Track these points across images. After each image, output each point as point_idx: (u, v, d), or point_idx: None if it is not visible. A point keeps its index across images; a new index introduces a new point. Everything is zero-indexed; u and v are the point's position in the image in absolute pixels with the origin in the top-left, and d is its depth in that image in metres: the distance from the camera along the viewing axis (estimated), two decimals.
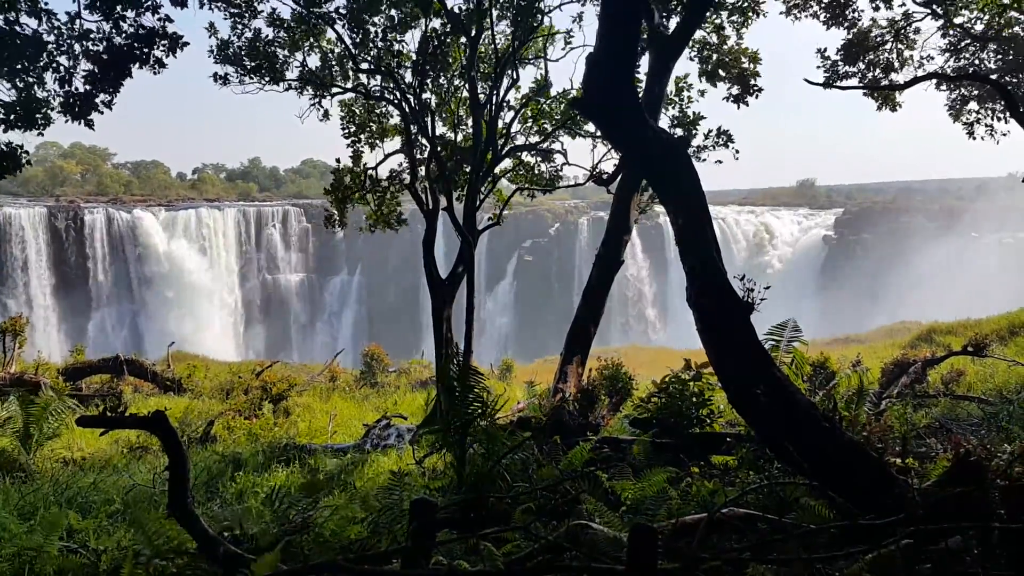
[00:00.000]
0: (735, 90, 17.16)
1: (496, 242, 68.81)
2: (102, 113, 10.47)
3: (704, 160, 17.06)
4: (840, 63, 17.85)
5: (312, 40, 17.10)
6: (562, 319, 42.60)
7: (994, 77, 17.20)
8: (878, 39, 17.83)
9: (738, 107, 17.31)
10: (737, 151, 17.00)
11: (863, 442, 6.80)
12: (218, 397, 22.00)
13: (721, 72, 17.12)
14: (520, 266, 71.47)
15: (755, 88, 17.09)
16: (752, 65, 17.03)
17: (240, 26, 15.86)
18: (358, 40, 16.67)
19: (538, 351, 51.92)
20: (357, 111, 18.65)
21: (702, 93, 17.67)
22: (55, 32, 9.91)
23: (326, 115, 17.98)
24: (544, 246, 71.90)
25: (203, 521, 5.52)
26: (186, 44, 10.53)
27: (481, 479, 7.19)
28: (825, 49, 17.77)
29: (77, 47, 10.02)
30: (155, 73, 10.71)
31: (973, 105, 18.95)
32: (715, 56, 17.11)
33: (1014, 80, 17.87)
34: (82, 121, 10.32)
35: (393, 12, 16.67)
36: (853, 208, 75.17)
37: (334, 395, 23.46)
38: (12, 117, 9.47)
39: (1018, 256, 60.24)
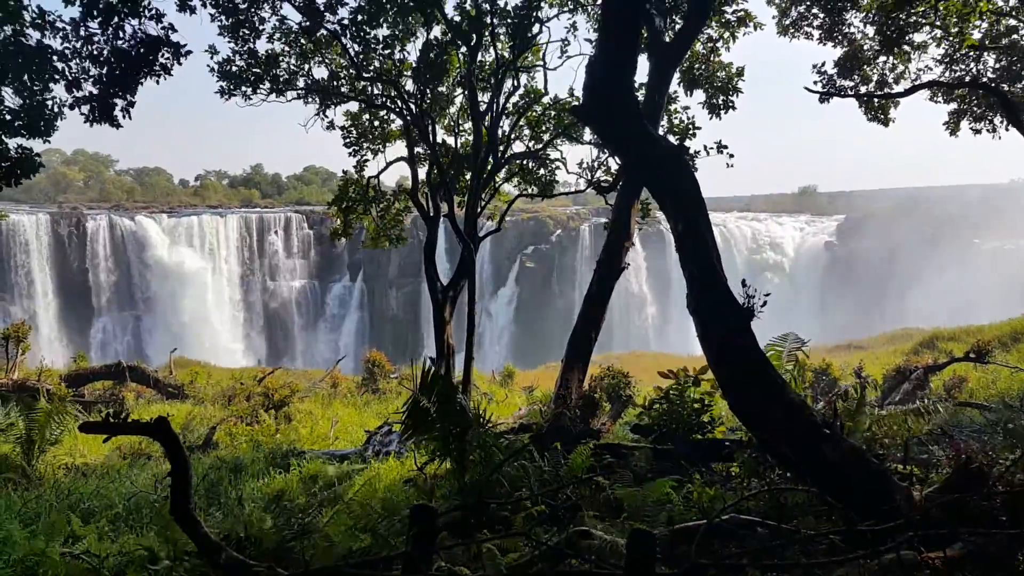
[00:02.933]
0: (711, 101, 17.40)
1: (498, 248, 68.84)
2: (129, 117, 10.54)
3: (698, 157, 17.14)
4: (836, 77, 17.97)
5: (319, 54, 17.20)
6: (564, 325, 42.60)
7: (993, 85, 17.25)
8: (871, 53, 17.94)
9: (710, 117, 17.57)
10: (732, 155, 17.07)
11: (864, 449, 6.80)
12: (220, 403, 22.03)
13: (703, 82, 17.32)
14: (522, 272, 71.40)
15: (731, 103, 17.33)
16: (733, 79, 17.20)
17: (242, 43, 15.88)
18: (361, 51, 16.75)
19: (540, 357, 51.84)
20: (364, 120, 18.77)
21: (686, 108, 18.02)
22: (60, 37, 9.97)
23: (331, 126, 18.09)
24: (546, 252, 71.84)
25: (205, 527, 5.53)
26: (189, 52, 10.59)
27: (482, 485, 7.20)
28: (823, 64, 17.88)
29: (83, 52, 10.07)
30: (158, 82, 10.79)
31: (968, 121, 19.05)
32: (699, 66, 17.26)
33: (1015, 87, 17.89)
34: (105, 122, 10.38)
35: (395, 23, 16.75)
36: (855, 215, 75.03)
37: (335, 401, 23.48)
38: (18, 124, 9.53)
39: (1020, 263, 60.15)
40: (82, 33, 9.98)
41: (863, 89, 18.35)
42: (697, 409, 9.70)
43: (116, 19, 10.01)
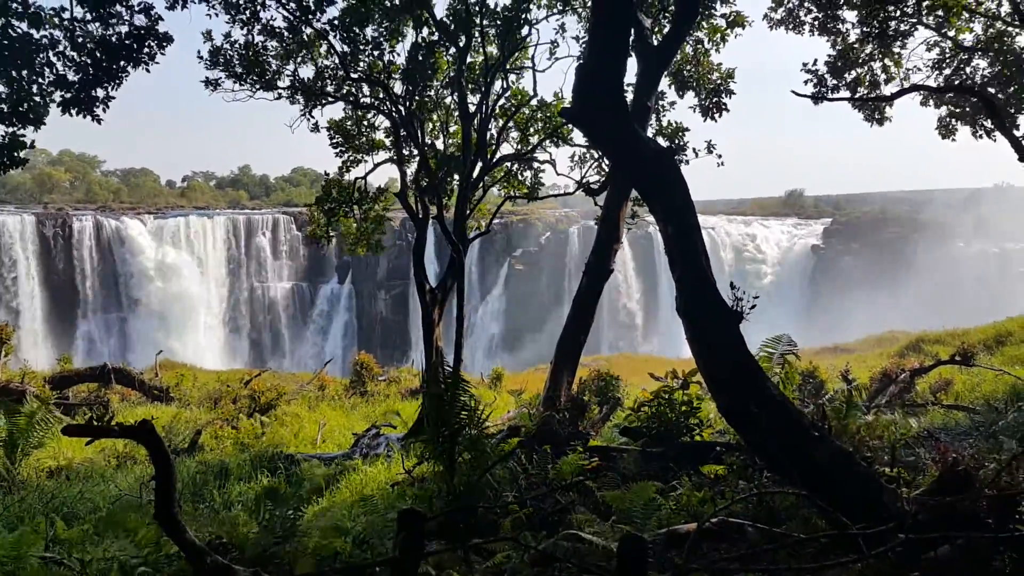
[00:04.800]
0: (707, 102, 17.40)
1: (487, 251, 68.80)
2: (104, 110, 10.46)
3: (687, 163, 17.15)
4: (828, 77, 18.03)
5: (305, 51, 17.09)
6: (553, 328, 42.58)
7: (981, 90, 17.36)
8: (863, 54, 18.02)
9: (704, 120, 17.59)
10: (720, 155, 17.11)
11: (852, 451, 6.80)
12: (206, 406, 21.86)
13: (694, 84, 17.34)
14: (510, 274, 71.38)
15: (723, 105, 17.32)
16: (725, 81, 17.22)
17: (240, 27, 15.81)
18: (349, 50, 16.68)
19: (529, 360, 51.85)
20: (348, 124, 18.67)
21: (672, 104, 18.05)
22: (47, 28, 9.89)
23: (316, 127, 17.95)
24: (535, 255, 71.86)
25: (189, 531, 5.46)
26: (171, 39, 10.57)
27: (470, 489, 7.16)
28: (815, 61, 17.92)
29: (68, 42, 10.01)
30: (148, 70, 10.74)
31: (960, 124, 19.19)
32: (689, 68, 17.30)
33: (1006, 92, 18.01)
34: (87, 115, 10.31)
35: (384, 23, 16.70)
36: (841, 218, 75.47)
37: (323, 404, 23.35)
38: (7, 111, 9.44)
39: (1005, 266, 60.69)
40: (67, 22, 9.92)
41: (854, 91, 18.43)
42: (686, 411, 9.69)
43: (105, 8, 9.97)
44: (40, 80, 9.85)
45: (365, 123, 18.84)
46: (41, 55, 9.71)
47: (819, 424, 7.57)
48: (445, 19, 16.64)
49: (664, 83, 17.54)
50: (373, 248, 19.70)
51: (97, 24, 10.08)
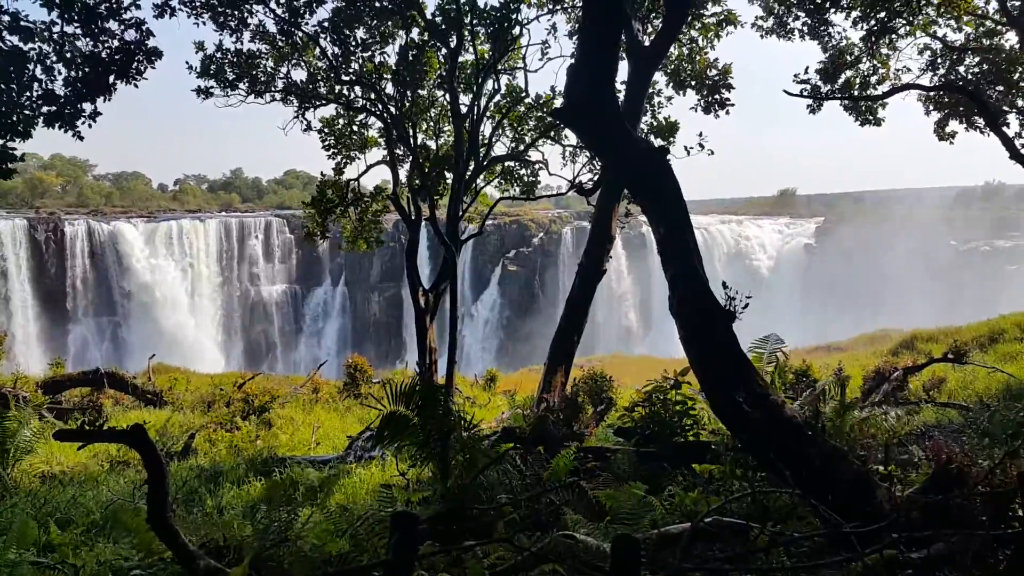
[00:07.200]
0: (706, 100, 17.40)
1: (480, 252, 68.77)
2: (90, 126, 10.42)
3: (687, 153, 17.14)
4: (819, 83, 18.08)
5: (297, 55, 17.08)
6: (546, 328, 42.57)
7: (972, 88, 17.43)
8: (853, 57, 18.08)
9: (707, 114, 17.57)
10: (712, 153, 17.12)
11: (845, 450, 6.81)
12: (199, 409, 21.76)
13: (692, 82, 17.36)
14: (504, 276, 71.34)
15: (727, 101, 17.30)
16: (723, 77, 17.23)
17: (229, 34, 15.76)
18: (340, 53, 16.67)
19: (523, 361, 51.83)
20: (339, 124, 18.66)
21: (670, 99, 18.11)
22: (36, 42, 9.84)
23: (308, 127, 17.96)
24: (528, 256, 71.83)
25: (183, 535, 5.44)
26: (161, 55, 10.53)
27: (464, 490, 7.14)
28: (806, 70, 17.94)
29: (56, 57, 9.97)
30: (136, 86, 10.70)
31: (954, 122, 19.29)
32: (688, 67, 17.33)
33: (996, 90, 18.08)
34: (69, 131, 10.26)
35: (375, 22, 16.69)
36: (834, 217, 75.78)
37: (317, 407, 23.26)
38: None
39: (996, 264, 60.96)
40: (56, 37, 9.87)
41: (846, 92, 18.48)
42: (679, 411, 9.68)
43: (96, 23, 9.93)
44: (29, 93, 9.80)
45: (356, 124, 18.85)
46: (29, 69, 9.66)
47: (812, 423, 7.58)
48: (435, 19, 16.64)
49: (662, 82, 17.57)
50: (371, 244, 19.73)
51: (87, 39, 10.04)
